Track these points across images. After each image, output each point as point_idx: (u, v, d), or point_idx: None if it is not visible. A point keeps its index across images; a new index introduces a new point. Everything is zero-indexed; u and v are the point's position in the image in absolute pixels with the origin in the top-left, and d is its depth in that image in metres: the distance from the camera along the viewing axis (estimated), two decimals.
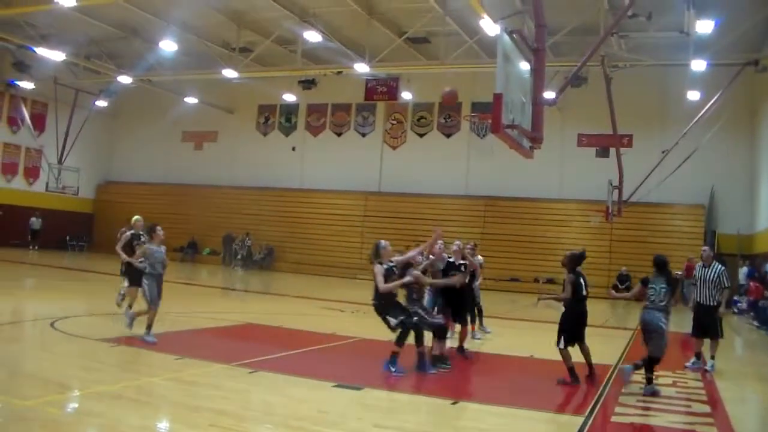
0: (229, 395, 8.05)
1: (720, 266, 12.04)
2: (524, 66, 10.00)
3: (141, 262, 11.46)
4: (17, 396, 7.31)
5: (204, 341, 11.97)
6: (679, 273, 30.08)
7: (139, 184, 41.41)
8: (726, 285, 11.88)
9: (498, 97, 8.62)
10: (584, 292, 10.26)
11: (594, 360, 10.34)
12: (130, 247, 12.50)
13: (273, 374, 9.28)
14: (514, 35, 9.53)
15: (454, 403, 8.53)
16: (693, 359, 11.99)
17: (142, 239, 12.47)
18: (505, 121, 8.76)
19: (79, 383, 8.11)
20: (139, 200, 37.67)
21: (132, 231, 12.86)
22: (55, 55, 29.81)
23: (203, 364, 9.62)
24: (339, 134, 38.63)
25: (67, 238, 40.37)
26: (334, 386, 8.83)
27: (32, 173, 39.01)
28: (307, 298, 22.26)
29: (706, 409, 8.95)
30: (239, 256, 36.69)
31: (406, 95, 33.66)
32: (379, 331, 11.74)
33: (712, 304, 11.85)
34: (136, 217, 13.21)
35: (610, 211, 26.00)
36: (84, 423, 6.81)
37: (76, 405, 7.45)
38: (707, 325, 11.92)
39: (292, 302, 21.54)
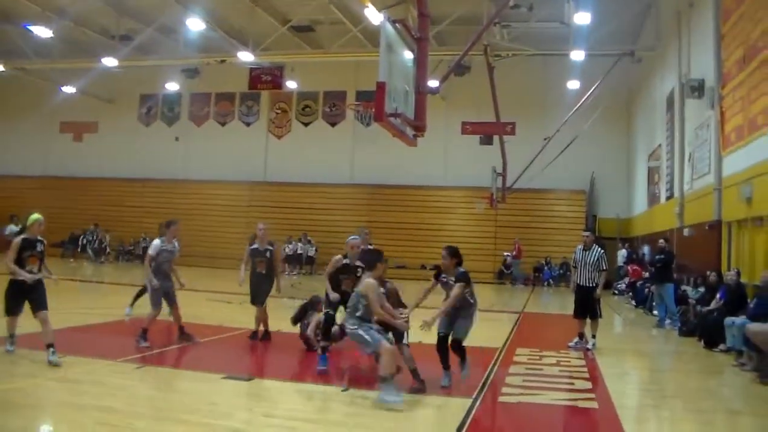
0: (116, 392, 7.80)
1: (599, 250, 12.59)
2: (408, 55, 10.06)
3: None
4: None
5: (87, 338, 11.55)
6: (509, 254, 31.36)
7: (16, 178, 39.41)
8: (604, 267, 12.46)
9: (381, 86, 8.64)
10: None
11: (482, 343, 10.60)
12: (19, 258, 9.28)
13: (161, 369, 9.09)
14: (398, 24, 9.57)
15: (344, 390, 8.55)
16: (575, 339, 12.43)
17: (39, 248, 9.50)
18: (388, 109, 8.79)
19: None
20: (17, 194, 36.09)
21: (25, 236, 9.47)
22: None
23: (87, 361, 9.26)
24: (223, 124, 38.09)
25: None
26: (223, 378, 8.74)
27: None
28: (194, 291, 21.78)
29: (588, 385, 9.34)
30: (89, 250, 34.94)
31: (290, 84, 33.47)
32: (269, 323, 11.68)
33: (592, 285, 12.36)
34: (35, 216, 9.63)
35: (494, 197, 26.49)
36: None
37: None
38: (587, 306, 12.42)
39: (177, 294, 21.01)
